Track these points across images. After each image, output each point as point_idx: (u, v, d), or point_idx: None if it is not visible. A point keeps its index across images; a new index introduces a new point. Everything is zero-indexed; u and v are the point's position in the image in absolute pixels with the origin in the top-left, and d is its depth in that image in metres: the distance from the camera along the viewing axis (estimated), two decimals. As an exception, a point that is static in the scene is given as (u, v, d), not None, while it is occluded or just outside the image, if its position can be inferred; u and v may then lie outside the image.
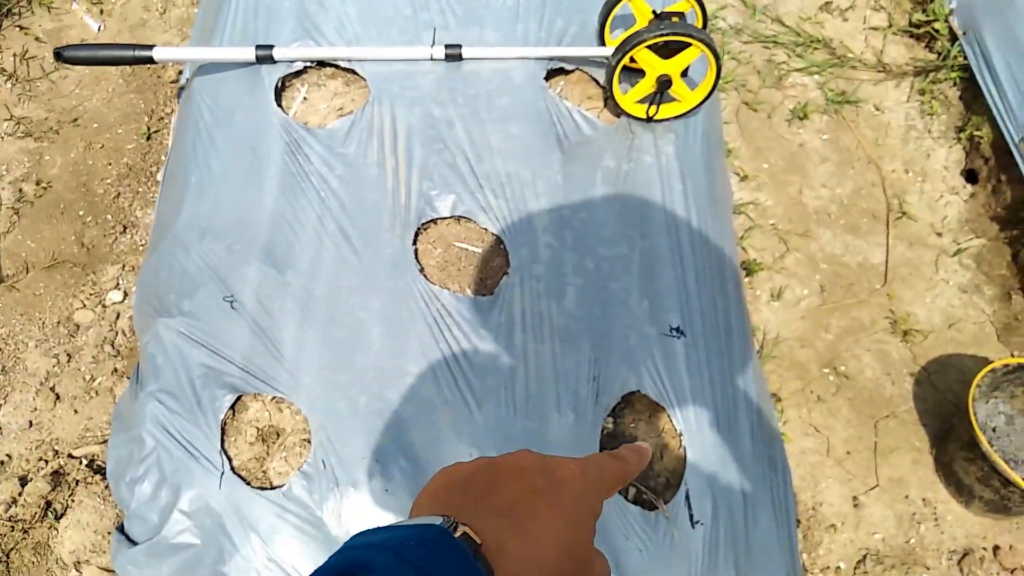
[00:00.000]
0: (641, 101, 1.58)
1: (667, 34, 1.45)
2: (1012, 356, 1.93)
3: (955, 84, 2.32)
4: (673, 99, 1.60)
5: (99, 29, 2.30)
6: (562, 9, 1.71)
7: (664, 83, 1.53)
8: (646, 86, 1.55)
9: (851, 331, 1.96)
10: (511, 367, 1.28)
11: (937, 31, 2.36)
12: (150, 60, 1.59)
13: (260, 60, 1.58)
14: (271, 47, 1.57)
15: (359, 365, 1.30)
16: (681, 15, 1.57)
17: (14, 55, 2.20)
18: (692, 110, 1.60)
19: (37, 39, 2.26)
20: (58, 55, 1.58)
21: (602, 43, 1.66)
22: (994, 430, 1.77)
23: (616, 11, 1.62)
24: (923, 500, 1.79)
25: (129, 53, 1.59)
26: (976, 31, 2.24)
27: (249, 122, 1.57)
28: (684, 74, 1.56)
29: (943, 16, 2.35)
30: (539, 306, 1.34)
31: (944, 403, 1.89)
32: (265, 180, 1.48)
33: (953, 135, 2.27)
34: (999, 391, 1.77)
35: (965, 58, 2.27)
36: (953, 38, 2.32)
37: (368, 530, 0.45)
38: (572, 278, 1.37)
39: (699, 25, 1.62)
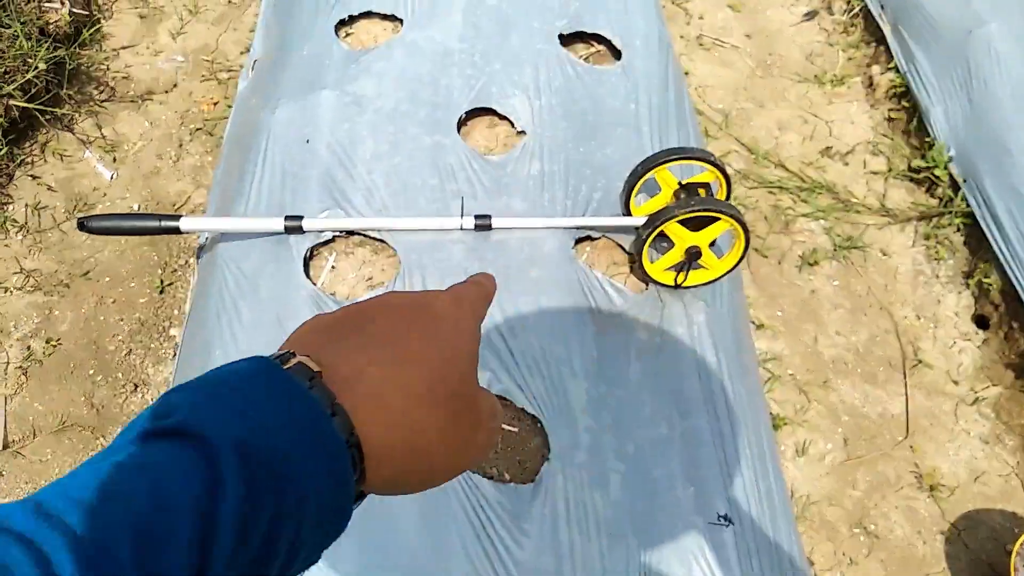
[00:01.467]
0: (669, 269, 1.59)
1: (698, 210, 1.47)
2: (1041, 510, 1.90)
3: (959, 229, 2.37)
4: (701, 267, 1.60)
5: (112, 177, 2.30)
6: (585, 176, 1.73)
7: (693, 255, 1.54)
8: (675, 256, 1.56)
9: (878, 487, 1.93)
10: (557, 567, 1.23)
11: (938, 177, 2.42)
12: (176, 231, 1.58)
13: (289, 231, 1.58)
14: (300, 218, 1.57)
15: (394, 563, 1.24)
16: (707, 186, 1.60)
17: (26, 205, 2.19)
18: (719, 278, 1.61)
19: (49, 188, 2.25)
20: (81, 226, 1.57)
21: (627, 210, 1.68)
22: (1033, 594, 1.72)
23: (642, 182, 1.64)
24: (965, 668, 1.72)
25: (155, 223, 1.58)
26: (976, 179, 2.30)
27: (276, 293, 1.55)
28: (712, 244, 1.57)
29: (943, 163, 2.41)
30: (583, 495, 1.30)
31: (978, 563, 1.84)
32: (294, 357, 1.45)
33: (961, 280, 2.30)
34: (1036, 553, 1.73)
35: (968, 204, 2.32)
36: (954, 184, 2.39)
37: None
38: (614, 463, 1.34)
39: (723, 195, 1.65)
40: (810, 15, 3.02)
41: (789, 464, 1.93)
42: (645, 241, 1.51)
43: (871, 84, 2.76)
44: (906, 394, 2.09)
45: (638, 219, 1.58)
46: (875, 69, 2.77)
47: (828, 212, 2.41)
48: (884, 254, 2.36)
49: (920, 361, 2.14)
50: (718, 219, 1.49)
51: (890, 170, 2.54)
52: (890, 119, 2.67)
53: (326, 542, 0.40)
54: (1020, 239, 2.13)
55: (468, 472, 1.32)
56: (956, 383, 2.12)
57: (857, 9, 2.90)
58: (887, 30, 2.76)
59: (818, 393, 2.06)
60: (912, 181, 2.51)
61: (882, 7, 2.79)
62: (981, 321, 2.25)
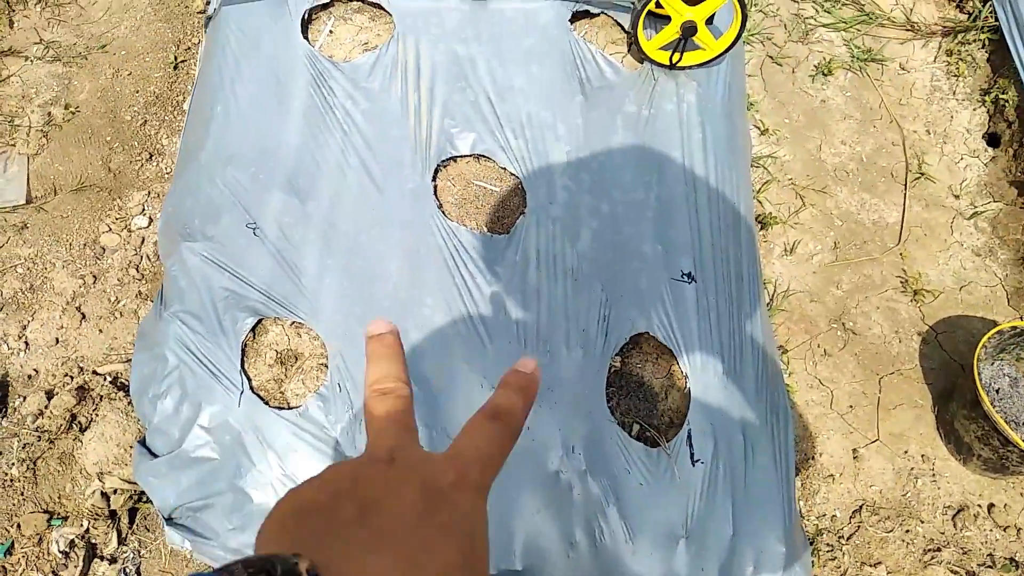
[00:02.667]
0: (665, 47, 1.59)
1: (694, -21, 1.45)
2: (1021, 319, 1.95)
3: (984, 46, 2.30)
4: (697, 47, 1.60)
5: (127, -44, 2.30)
6: (591, -49, 1.70)
7: (689, 30, 1.53)
8: (671, 32, 1.55)
9: (862, 288, 1.98)
10: (524, 304, 1.31)
11: (970, -10, 2.32)
12: (179, -13, 1.60)
13: (288, -9, 1.59)
14: (299, -22, 1.58)
15: (377, 295, 1.34)
16: (710, -38, 1.57)
17: (43, -22, 2.22)
18: (716, 59, 1.60)
19: (66, -36, 2.27)
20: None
21: (629, -13, 1.66)
22: (997, 391, 1.79)
23: (645, -45, 1.61)
24: (922, 456, 1.82)
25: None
26: (1010, -8, 2.21)
27: (275, 52, 1.58)
28: (709, 21, 1.56)
29: (977, -25, 2.31)
30: (554, 246, 1.37)
31: (949, 363, 1.91)
32: (290, 111, 1.50)
33: (978, 98, 2.25)
34: (1005, 353, 1.79)
35: (996, 19, 2.24)
36: (985, -2, 2.29)
37: None
38: (588, 220, 1.40)
39: (728, -27, 1.61)
40: None
41: (776, 261, 1.98)
42: (641, 12, 1.50)
43: None
44: (904, 203, 2.10)
45: (636, -9, 1.57)
46: None
47: (851, 23, 2.34)
48: (903, 69, 2.30)
49: (923, 174, 2.14)
50: (715, -9, 1.48)
51: (922, -18, 2.44)
52: (932, -72, 2.53)
53: None
54: (1045, 53, 2.06)
55: (447, 218, 1.39)
56: (957, 197, 2.12)
57: None
58: None
59: (814, 197, 2.08)
60: (944, -6, 2.41)
61: None
62: (992, 139, 2.22)
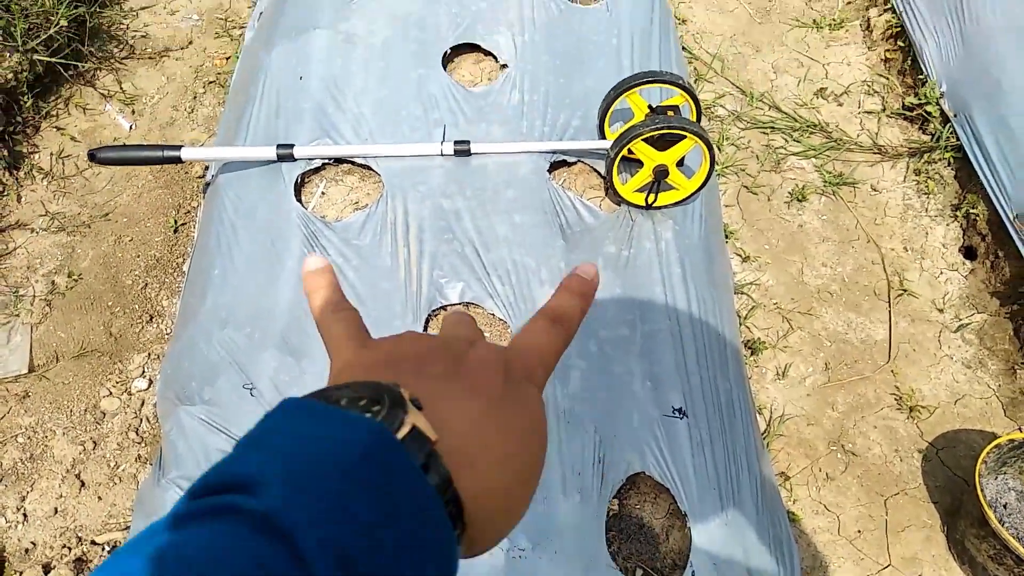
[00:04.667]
0: (640, 190, 1.67)
1: (662, 127, 1.54)
2: (1020, 431, 1.94)
3: (949, 164, 2.40)
4: (671, 187, 1.68)
5: (131, 128, 2.44)
6: (563, 106, 1.81)
7: (661, 173, 1.61)
8: (644, 175, 1.64)
9: (857, 408, 1.99)
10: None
11: (930, 113, 2.45)
12: (178, 160, 1.70)
13: (281, 158, 1.69)
14: (291, 146, 1.68)
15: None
16: (676, 108, 1.67)
17: (51, 154, 2.34)
18: (689, 197, 1.68)
19: (73, 139, 2.40)
20: (92, 156, 1.70)
21: (602, 136, 1.76)
22: (1005, 507, 1.77)
23: (615, 106, 1.71)
24: (938, 578, 1.78)
25: (158, 153, 1.70)
26: (966, 113, 2.33)
27: (270, 216, 1.66)
28: (680, 164, 1.64)
29: (934, 99, 2.44)
30: (545, 389, 1.39)
31: (954, 479, 1.90)
32: (283, 271, 1.56)
33: (950, 213, 2.33)
34: (1007, 467, 1.78)
35: (958, 139, 2.35)
36: (945, 120, 2.41)
37: (288, 406, 0.35)
38: (576, 361, 1.43)
39: (693, 117, 1.71)
40: (812, -39, 3.04)
41: (769, 386, 2.00)
42: (614, 160, 1.58)
43: (868, 26, 2.78)
44: (890, 321, 2.14)
45: (607, 142, 1.66)
46: (872, 11, 2.79)
47: (820, 150, 2.45)
48: (874, 190, 2.40)
49: (905, 291, 2.19)
50: (683, 137, 1.56)
51: (884, 109, 2.57)
52: (886, 60, 2.69)
53: None
54: (1007, 169, 2.16)
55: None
56: (941, 311, 2.16)
57: (858, -47, 2.91)
58: (886, -28, 2.77)
59: (801, 320, 2.12)
60: (905, 119, 2.54)
61: (881, -51, 2.80)
62: (969, 252, 2.28)
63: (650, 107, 1.67)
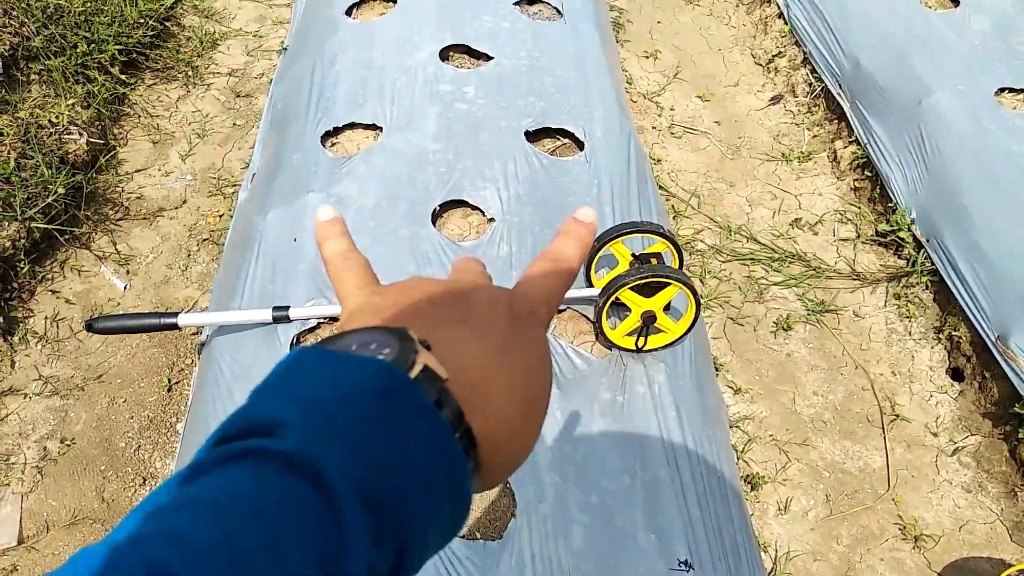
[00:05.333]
0: (630, 334, 1.70)
1: (647, 276, 1.59)
2: (1029, 555, 1.92)
3: (927, 287, 2.47)
4: (660, 330, 1.71)
5: (125, 288, 2.48)
6: (551, 254, 1.87)
7: (649, 319, 1.65)
8: (633, 321, 1.68)
9: (862, 540, 1.96)
10: (524, 613, 1.30)
11: (903, 239, 2.54)
12: (175, 327, 1.73)
13: (276, 320, 1.72)
14: (287, 308, 1.71)
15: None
16: (659, 255, 1.73)
17: (45, 318, 2.37)
18: (678, 340, 1.71)
19: (67, 301, 2.43)
20: (89, 327, 1.73)
21: (589, 284, 1.81)
22: (1024, 638, 1.73)
23: (600, 254, 1.77)
24: None
25: (155, 321, 1.73)
26: (938, 238, 2.42)
27: (266, 378, 1.67)
28: (667, 308, 1.69)
29: (906, 225, 2.54)
30: (548, 548, 1.37)
31: (969, 611, 1.86)
32: (281, 434, 1.56)
33: (933, 336, 2.38)
34: (1021, 596, 1.75)
35: (932, 263, 2.43)
36: (919, 245, 2.50)
37: (299, 354, 0.36)
38: (579, 515, 1.42)
39: (675, 263, 1.77)
40: (776, 99, 3.22)
41: (772, 522, 1.98)
42: (602, 309, 1.63)
43: (835, 157, 2.92)
44: (886, 448, 2.14)
45: (594, 290, 1.71)
46: (838, 144, 2.93)
47: (800, 279, 2.52)
48: (857, 315, 2.45)
49: (898, 416, 2.20)
50: (668, 284, 1.61)
51: (858, 236, 2.67)
52: (855, 189, 2.81)
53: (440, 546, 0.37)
54: (984, 292, 2.22)
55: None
56: (935, 435, 2.18)
57: (819, 90, 3.09)
58: (847, 107, 2.93)
59: (798, 452, 2.12)
60: (880, 245, 2.63)
61: (840, 86, 2.98)
62: (956, 374, 2.31)
63: (633, 255, 1.73)
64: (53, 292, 2.45)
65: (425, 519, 0.33)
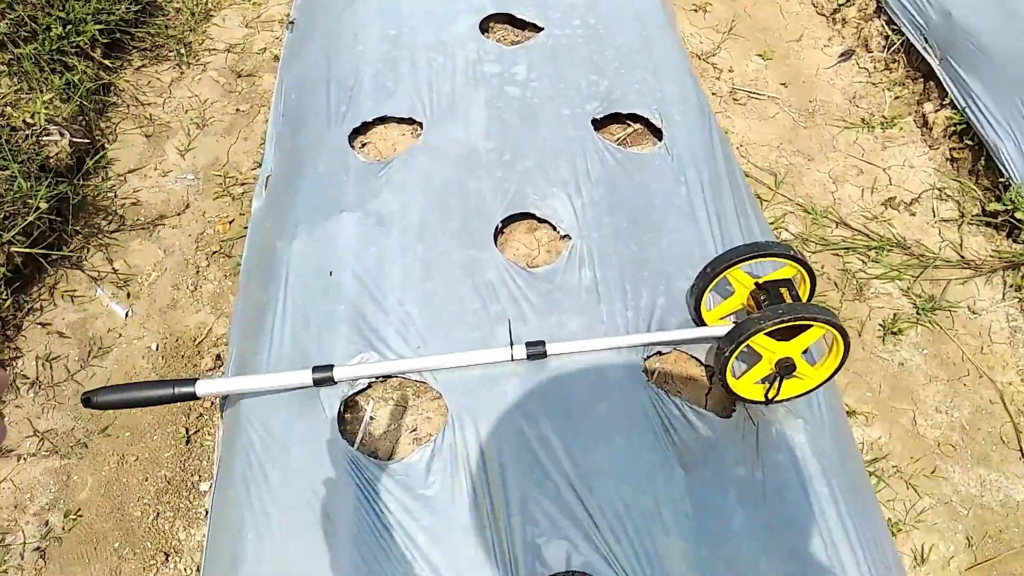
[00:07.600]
0: (759, 382, 1.37)
1: (788, 320, 1.26)
2: None
3: (1053, 277, 2.14)
4: (795, 376, 1.38)
5: (127, 315, 2.14)
6: (644, 279, 1.53)
7: (786, 367, 1.32)
8: (763, 369, 1.35)
9: (1016, 593, 1.67)
10: None
11: (1019, 220, 2.19)
12: (193, 396, 1.40)
13: (318, 383, 1.39)
14: (331, 367, 1.38)
15: None
16: (788, 283, 1.39)
17: (36, 358, 2.03)
18: (816, 387, 1.38)
19: (60, 334, 2.10)
20: (87, 402, 1.40)
21: (697, 315, 1.47)
22: None
23: (713, 285, 1.43)
24: None
25: (168, 391, 1.40)
26: (1066, 219, 2.08)
27: (308, 456, 1.35)
28: (804, 351, 1.36)
29: (1023, 204, 2.18)
30: None
31: None
32: (336, 539, 1.24)
33: (1065, 334, 2.06)
34: None
35: (1059, 248, 2.09)
36: (1038, 226, 2.16)
37: None
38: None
39: (806, 291, 1.43)
40: (846, 55, 2.83)
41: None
42: (729, 358, 1.29)
43: (926, 123, 2.55)
44: (1028, 476, 1.84)
45: (717, 329, 1.38)
46: (927, 107, 2.56)
47: (903, 270, 2.18)
48: (972, 312, 2.12)
49: (1036, 434, 1.89)
50: (811, 326, 1.28)
51: (962, 216, 2.32)
52: (953, 159, 2.45)
53: None
54: None
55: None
56: (1083, 456, 1.87)
57: (898, 43, 2.70)
58: (934, 63, 2.55)
59: (927, 485, 1.81)
60: (990, 226, 2.28)
61: (925, 39, 2.59)
62: (1098, 379, 1.99)
63: (756, 284, 1.40)
64: (43, 325, 2.11)
65: None
